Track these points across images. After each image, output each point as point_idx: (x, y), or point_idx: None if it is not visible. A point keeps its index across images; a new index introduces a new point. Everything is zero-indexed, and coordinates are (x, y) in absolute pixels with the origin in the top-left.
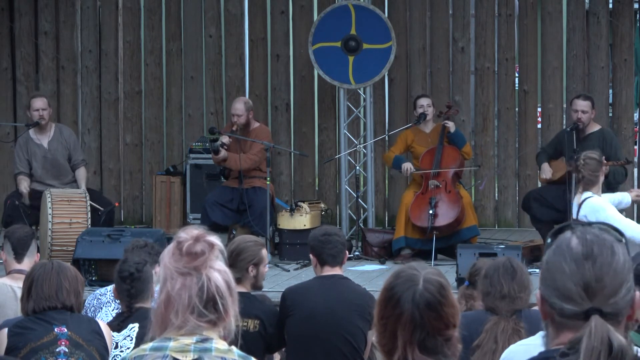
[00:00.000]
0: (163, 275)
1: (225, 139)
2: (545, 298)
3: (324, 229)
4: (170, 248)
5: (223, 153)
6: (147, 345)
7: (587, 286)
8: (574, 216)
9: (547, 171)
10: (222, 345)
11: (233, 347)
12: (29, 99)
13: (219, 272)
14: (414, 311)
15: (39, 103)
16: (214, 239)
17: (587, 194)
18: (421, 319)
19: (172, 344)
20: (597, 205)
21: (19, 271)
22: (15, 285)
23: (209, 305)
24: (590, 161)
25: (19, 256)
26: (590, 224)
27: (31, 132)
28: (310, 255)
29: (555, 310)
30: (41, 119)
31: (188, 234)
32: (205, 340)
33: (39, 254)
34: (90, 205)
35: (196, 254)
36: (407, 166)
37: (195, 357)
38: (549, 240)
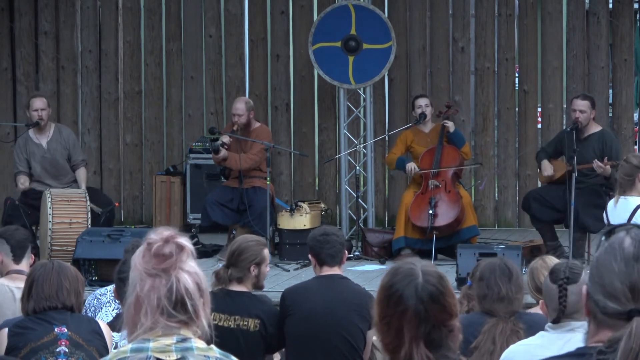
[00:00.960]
0: (133, 276)
1: (225, 138)
2: (591, 294)
3: (322, 229)
4: (141, 249)
5: (223, 152)
6: (127, 347)
7: (633, 287)
8: (614, 220)
9: (548, 168)
10: (201, 344)
11: (213, 346)
12: (29, 98)
13: (188, 274)
14: (418, 305)
15: (38, 103)
16: (184, 240)
17: (636, 199)
18: (426, 312)
19: (152, 344)
20: None
21: (18, 272)
22: (13, 285)
23: (178, 307)
24: (625, 165)
25: (17, 257)
26: None
27: (30, 131)
28: (310, 256)
29: (599, 308)
30: (40, 119)
31: (158, 235)
32: (185, 339)
33: (33, 255)
34: (91, 208)
35: (164, 256)
36: (412, 166)
37: (179, 356)
38: (602, 238)
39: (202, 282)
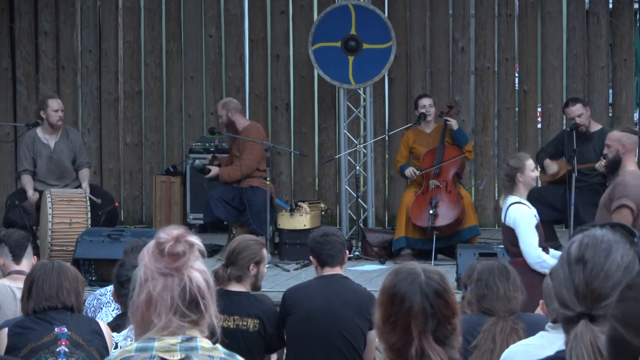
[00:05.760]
0: (143, 275)
1: (205, 160)
2: (548, 303)
3: (323, 230)
4: (150, 248)
5: (214, 171)
6: (132, 347)
7: (577, 290)
8: (503, 219)
9: (553, 165)
10: (206, 343)
11: (218, 345)
12: (46, 98)
13: (199, 272)
14: (424, 301)
15: (58, 104)
16: (194, 238)
17: (512, 198)
18: (431, 308)
19: (157, 344)
20: (519, 218)
21: (18, 272)
22: (14, 285)
23: (192, 306)
24: (505, 166)
25: (16, 257)
26: (603, 224)
27: (39, 131)
28: (311, 257)
29: (558, 315)
30: (60, 120)
31: (168, 234)
32: (190, 339)
33: (35, 256)
34: (90, 199)
35: (178, 255)
36: (410, 171)
37: (183, 356)
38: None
39: (210, 280)
